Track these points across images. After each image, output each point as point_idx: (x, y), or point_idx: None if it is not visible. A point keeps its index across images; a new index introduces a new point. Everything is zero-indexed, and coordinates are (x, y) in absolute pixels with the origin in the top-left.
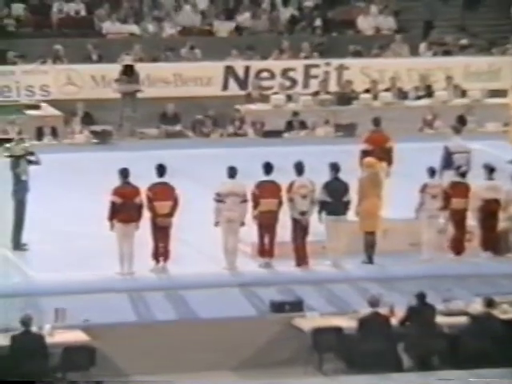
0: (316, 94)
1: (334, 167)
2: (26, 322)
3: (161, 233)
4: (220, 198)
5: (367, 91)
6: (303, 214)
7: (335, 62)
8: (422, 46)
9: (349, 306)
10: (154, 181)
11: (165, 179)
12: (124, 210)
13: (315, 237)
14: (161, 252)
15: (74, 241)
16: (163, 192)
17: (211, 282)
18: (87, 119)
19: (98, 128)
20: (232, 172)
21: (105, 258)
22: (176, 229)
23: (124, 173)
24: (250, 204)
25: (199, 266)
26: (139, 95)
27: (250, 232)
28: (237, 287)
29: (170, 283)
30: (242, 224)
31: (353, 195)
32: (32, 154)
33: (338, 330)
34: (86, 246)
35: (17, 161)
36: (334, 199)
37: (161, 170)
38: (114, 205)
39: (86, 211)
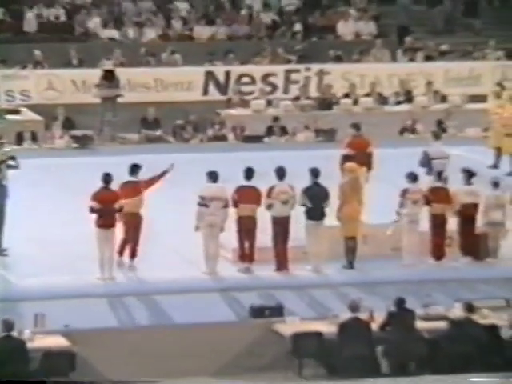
0: (296, 99)
1: (314, 172)
2: (7, 326)
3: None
4: (204, 202)
5: (346, 96)
6: (283, 219)
7: (316, 67)
8: (399, 52)
9: (329, 311)
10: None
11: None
12: (103, 215)
13: (296, 242)
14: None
15: (54, 246)
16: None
17: (191, 286)
18: (68, 124)
19: (78, 133)
20: (214, 176)
21: (85, 263)
22: (155, 233)
23: (107, 178)
24: (231, 209)
25: (179, 270)
26: (120, 100)
27: (230, 237)
28: (217, 292)
29: (149, 288)
30: (222, 229)
31: (333, 200)
32: (13, 158)
33: (318, 335)
34: (65, 251)
35: None
36: (314, 204)
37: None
38: (92, 210)
39: (66, 216)
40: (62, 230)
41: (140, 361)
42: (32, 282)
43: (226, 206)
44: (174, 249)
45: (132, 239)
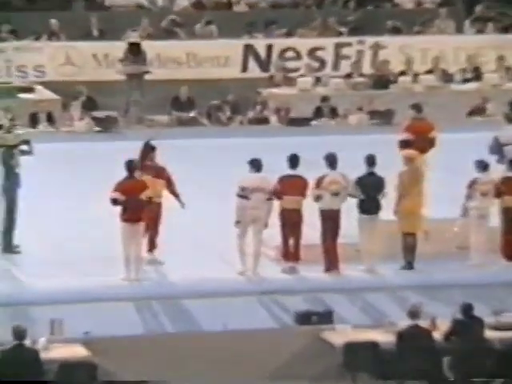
0: (348, 76)
1: (369, 160)
2: (18, 334)
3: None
4: (244, 194)
5: (405, 73)
6: (333, 212)
7: (370, 39)
8: (467, 23)
9: (385, 318)
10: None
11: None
12: (129, 207)
13: (347, 239)
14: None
15: (73, 243)
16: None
17: (228, 289)
18: (88, 104)
19: (100, 114)
20: (257, 165)
21: (108, 263)
22: (188, 229)
23: (130, 165)
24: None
25: (214, 271)
26: (147, 77)
27: (273, 233)
28: (257, 295)
29: (180, 291)
30: (266, 225)
31: (390, 192)
32: (27, 142)
33: (373, 345)
34: (86, 248)
35: (9, 151)
36: (369, 196)
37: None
38: (114, 202)
39: (87, 209)
40: (82, 225)
41: (169, 372)
42: (48, 283)
43: (270, 199)
44: (208, 246)
45: (151, 230)
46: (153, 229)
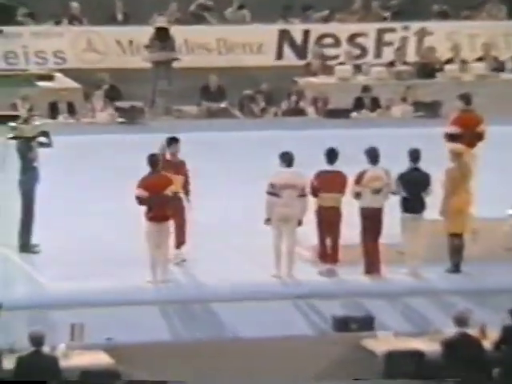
0: (391, 64)
1: (413, 154)
2: (36, 339)
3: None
4: (274, 191)
5: (450, 61)
6: (374, 211)
7: (415, 25)
8: None
9: (430, 325)
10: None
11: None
12: (153, 205)
13: (389, 239)
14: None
15: (94, 242)
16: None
17: (260, 292)
18: (112, 93)
19: (125, 104)
20: (288, 159)
21: (132, 264)
22: (216, 228)
23: (153, 159)
24: (310, 199)
25: (245, 273)
26: (175, 65)
27: (309, 232)
28: (292, 299)
29: (209, 294)
30: (300, 223)
31: (436, 189)
32: (45, 134)
33: (417, 354)
34: (108, 248)
35: (27, 143)
36: (413, 194)
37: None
38: (139, 200)
39: (110, 206)
40: (105, 224)
41: (197, 380)
42: (68, 285)
43: (302, 195)
44: (239, 247)
45: (177, 225)
46: (179, 224)
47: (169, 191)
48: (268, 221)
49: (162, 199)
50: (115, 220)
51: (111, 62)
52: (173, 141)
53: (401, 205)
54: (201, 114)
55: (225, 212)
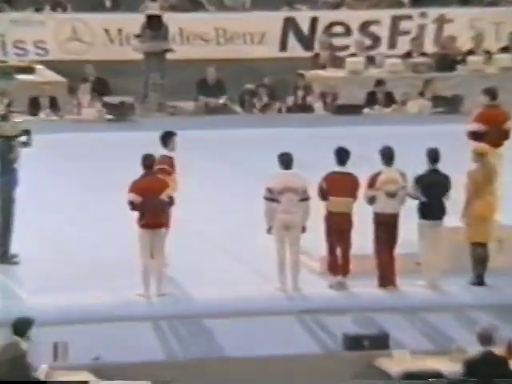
0: (407, 55)
1: (432, 155)
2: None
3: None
4: (272, 196)
5: (472, 52)
6: (389, 217)
7: (434, 11)
8: None
9: (451, 342)
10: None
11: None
12: (147, 210)
13: (405, 248)
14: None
15: (80, 252)
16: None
17: (264, 307)
18: (99, 88)
19: (113, 100)
20: (286, 160)
21: (122, 275)
22: (213, 238)
23: (148, 161)
24: (314, 202)
25: (246, 285)
26: (169, 56)
27: (317, 240)
28: (298, 314)
29: (207, 308)
30: (304, 230)
31: (457, 193)
32: (27, 133)
33: (436, 375)
34: (95, 258)
35: (7, 143)
36: (431, 198)
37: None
38: (132, 205)
39: (97, 212)
40: (92, 231)
41: None
42: (51, 299)
43: (304, 199)
44: (239, 257)
45: None
46: None
47: (164, 196)
48: (270, 229)
49: (157, 204)
50: (103, 227)
51: (98, 52)
52: (168, 136)
53: (418, 210)
54: (198, 110)
55: (223, 217)
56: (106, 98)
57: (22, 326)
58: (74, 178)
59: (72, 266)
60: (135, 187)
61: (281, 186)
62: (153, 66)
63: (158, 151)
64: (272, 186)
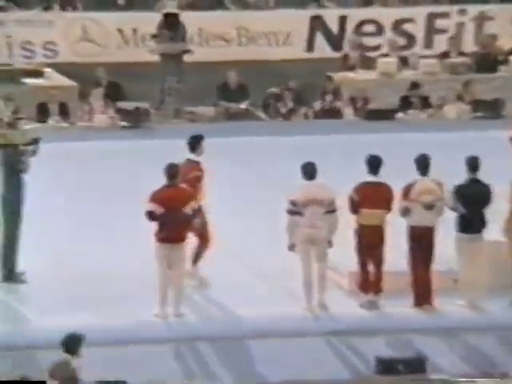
0: (444, 55)
1: (472, 163)
2: None
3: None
4: (295, 209)
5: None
6: (426, 231)
7: (473, 8)
8: None
9: (494, 367)
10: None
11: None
12: (168, 223)
13: (443, 265)
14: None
15: (92, 269)
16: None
17: (290, 328)
18: (112, 92)
19: (128, 105)
20: (310, 170)
21: (136, 294)
22: (235, 253)
23: (172, 171)
24: (343, 214)
25: (272, 305)
26: (187, 58)
27: (346, 255)
28: (326, 336)
29: (228, 330)
30: (330, 244)
31: (499, 204)
32: (36, 141)
33: None
34: (108, 276)
35: (15, 152)
36: (471, 210)
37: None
38: (152, 216)
39: (111, 227)
40: (104, 247)
41: None
42: (59, 321)
43: (330, 212)
44: (262, 274)
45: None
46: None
47: (188, 208)
48: (292, 246)
49: (179, 217)
50: (116, 242)
51: (111, 54)
52: (197, 140)
53: (457, 223)
54: (218, 116)
55: (246, 231)
56: (120, 104)
57: (72, 343)
58: (85, 189)
59: (82, 286)
60: (157, 197)
61: (304, 197)
62: (170, 68)
63: (176, 160)
64: (295, 198)
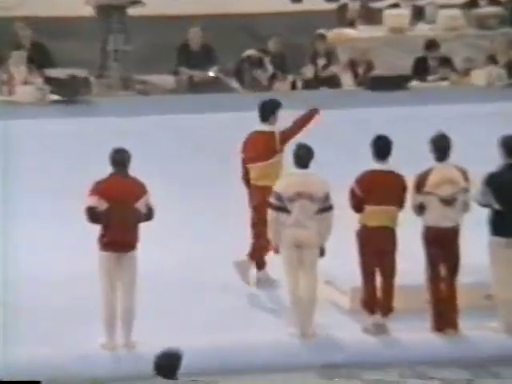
0: (470, 4)
1: (509, 145)
2: None
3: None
4: (280, 204)
5: None
6: (446, 232)
7: None
8: None
9: None
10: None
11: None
12: (114, 223)
13: (471, 276)
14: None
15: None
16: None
17: (274, 360)
18: (38, 56)
19: (60, 73)
20: (303, 156)
21: (76, 318)
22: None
23: (120, 157)
24: (341, 214)
25: (249, 331)
26: (135, 11)
27: (346, 266)
28: (321, 370)
29: (194, 365)
30: (322, 252)
31: None
32: None
33: None
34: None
35: None
36: (508, 206)
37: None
38: (93, 214)
39: (40, 230)
40: (36, 256)
41: None
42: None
43: (324, 209)
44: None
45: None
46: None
47: (141, 204)
48: (278, 248)
49: (128, 215)
50: (48, 250)
51: (35, 7)
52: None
53: (489, 222)
54: (179, 86)
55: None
56: (50, 71)
57: (167, 364)
58: (10, 180)
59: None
60: (99, 189)
61: (292, 190)
62: (113, 25)
63: (125, 144)
64: (280, 190)
